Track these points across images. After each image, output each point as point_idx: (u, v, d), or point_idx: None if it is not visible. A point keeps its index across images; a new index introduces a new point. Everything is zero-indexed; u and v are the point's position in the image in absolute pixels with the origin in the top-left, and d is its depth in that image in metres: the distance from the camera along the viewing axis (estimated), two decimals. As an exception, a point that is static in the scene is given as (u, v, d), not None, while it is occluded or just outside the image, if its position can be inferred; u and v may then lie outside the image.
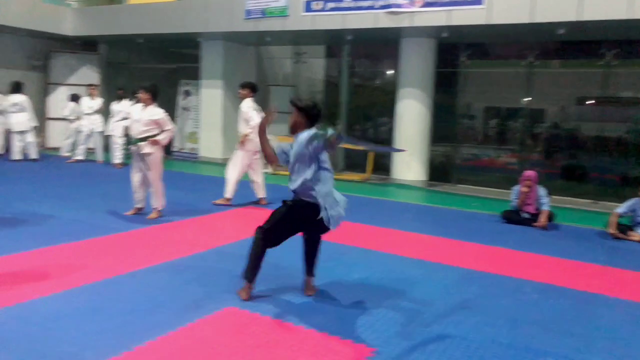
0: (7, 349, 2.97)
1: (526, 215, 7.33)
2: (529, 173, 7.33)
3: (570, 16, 8.03)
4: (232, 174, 7.59)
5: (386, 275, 4.80)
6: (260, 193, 7.78)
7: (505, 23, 8.59)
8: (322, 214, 3.79)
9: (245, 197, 7.88)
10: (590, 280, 4.95)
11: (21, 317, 3.39)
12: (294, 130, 3.97)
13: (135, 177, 6.57)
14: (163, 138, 6.39)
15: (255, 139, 7.56)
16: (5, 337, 3.11)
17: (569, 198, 9.62)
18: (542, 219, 7.12)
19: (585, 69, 10.81)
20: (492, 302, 4.24)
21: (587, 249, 6.15)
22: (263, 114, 7.65)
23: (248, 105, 7.53)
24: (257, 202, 7.77)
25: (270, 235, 3.94)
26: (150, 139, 6.33)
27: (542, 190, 7.32)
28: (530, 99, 10.89)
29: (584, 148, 10.93)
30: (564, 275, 5.11)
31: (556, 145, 11.01)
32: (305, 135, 3.79)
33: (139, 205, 6.67)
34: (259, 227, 3.96)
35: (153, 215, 6.53)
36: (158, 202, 6.57)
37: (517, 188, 7.49)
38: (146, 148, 6.34)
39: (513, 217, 7.41)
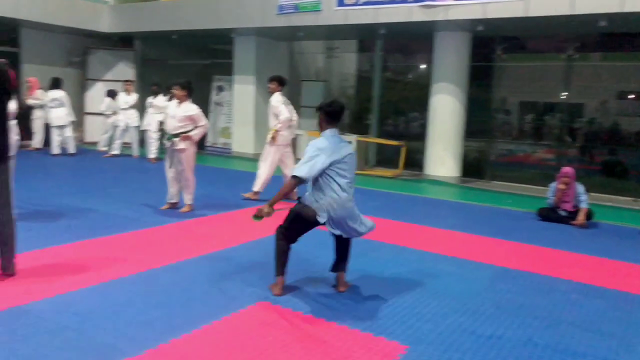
0: (46, 340, 3.04)
1: (563, 213, 7.16)
2: (567, 170, 7.15)
3: (613, 7, 7.76)
4: (263, 170, 7.61)
5: (418, 272, 4.75)
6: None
7: (543, 15, 8.37)
8: (320, 218, 3.79)
9: (275, 191, 7.90)
10: (632, 281, 4.80)
11: (60, 309, 3.48)
12: (321, 129, 4.04)
13: (170, 172, 6.67)
14: (195, 134, 6.46)
15: (285, 133, 7.59)
16: (45, 327, 3.19)
17: (608, 195, 9.35)
18: (581, 217, 6.94)
19: (627, 62, 10.47)
20: (527, 301, 4.15)
21: (627, 248, 5.96)
22: (292, 108, 7.71)
23: (277, 100, 7.52)
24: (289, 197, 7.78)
25: (287, 233, 4.01)
26: (183, 134, 6.40)
27: (580, 188, 7.14)
28: (568, 93, 10.62)
29: (625, 144, 10.61)
30: (604, 274, 4.97)
31: (595, 140, 10.71)
32: (313, 142, 3.90)
33: (172, 200, 6.76)
34: (279, 226, 4.04)
35: (185, 209, 6.62)
36: (190, 197, 6.64)
37: (554, 185, 7.32)
38: (180, 144, 6.42)
39: (550, 214, 7.25)
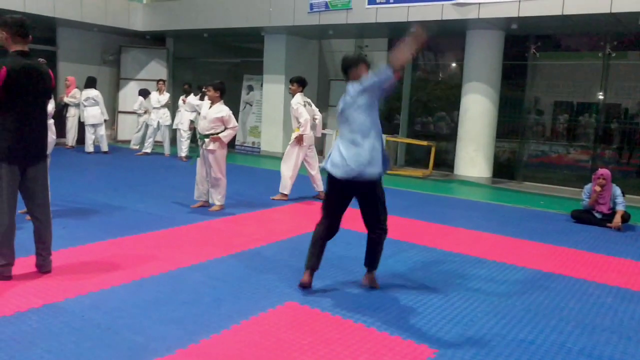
0: (79, 338, 3.10)
1: (599, 216, 6.99)
2: (603, 171, 6.98)
3: (653, 5, 7.55)
4: (286, 171, 7.58)
5: (448, 274, 4.70)
6: (319, 187, 7.79)
7: (581, 13, 8.17)
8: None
9: (304, 191, 7.93)
10: (670, 287, 4.66)
11: (93, 306, 3.54)
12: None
13: (202, 171, 6.74)
14: (225, 135, 6.51)
15: (309, 133, 7.56)
16: (77, 325, 3.26)
17: (645, 198, 9.10)
18: (617, 220, 6.77)
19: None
20: (561, 305, 4.06)
21: (666, 253, 5.79)
22: (315, 107, 7.69)
23: (297, 102, 7.47)
24: (317, 197, 7.79)
25: (322, 219, 4.07)
26: (213, 136, 6.47)
27: (616, 190, 6.96)
28: (604, 92, 10.35)
29: (664, 145, 10.30)
30: (641, 280, 4.84)
31: (632, 141, 10.41)
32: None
33: (201, 199, 6.84)
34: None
35: (215, 208, 6.68)
36: (218, 197, 6.69)
37: (589, 187, 7.15)
38: (210, 144, 6.49)
39: (584, 217, 7.08)
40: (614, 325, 3.73)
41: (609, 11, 7.86)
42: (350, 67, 4.02)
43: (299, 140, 7.46)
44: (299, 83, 7.61)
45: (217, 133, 6.49)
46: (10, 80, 3.68)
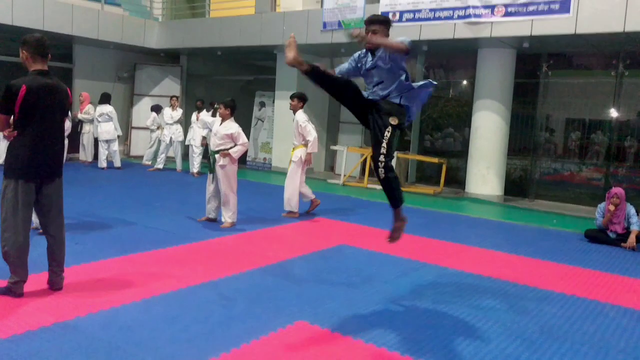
0: (88, 357, 3.10)
1: (612, 235, 6.92)
2: (617, 190, 6.91)
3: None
4: (293, 191, 7.53)
5: (460, 293, 4.65)
6: (309, 196, 7.76)
7: (594, 33, 8.16)
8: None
9: (316, 208, 7.93)
10: (686, 310, 4.58)
11: (103, 324, 3.55)
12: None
13: (210, 188, 6.78)
14: (234, 151, 6.56)
15: (315, 151, 7.55)
16: (89, 344, 3.26)
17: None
18: (631, 239, 6.69)
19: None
20: (574, 326, 4.01)
21: (682, 274, 5.70)
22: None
23: (304, 119, 7.41)
24: (311, 208, 7.80)
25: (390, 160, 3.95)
26: (223, 151, 6.52)
27: (631, 209, 6.88)
28: (617, 110, 10.29)
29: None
30: (656, 302, 4.76)
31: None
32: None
33: (210, 216, 6.87)
34: (383, 161, 3.90)
35: (226, 225, 6.69)
36: (229, 214, 6.70)
37: (602, 206, 7.08)
38: (220, 160, 6.54)
39: (598, 236, 7.01)
40: (629, 347, 3.68)
41: (622, 30, 7.84)
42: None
43: (308, 160, 7.45)
44: (299, 99, 7.56)
45: (227, 149, 6.55)
46: (29, 99, 3.74)
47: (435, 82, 4.18)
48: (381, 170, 3.87)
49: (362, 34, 3.79)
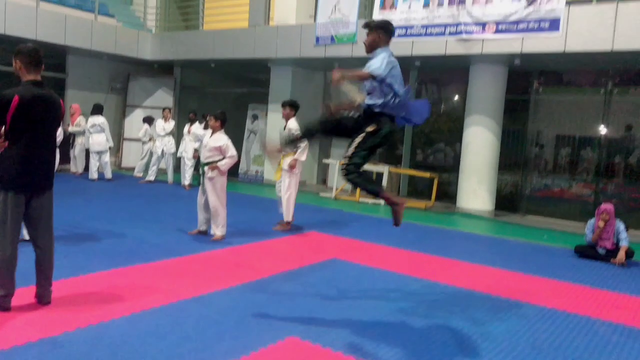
0: (78, 369, 3.07)
1: (602, 251, 6.96)
2: (607, 206, 6.96)
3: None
4: (292, 200, 7.53)
5: (451, 308, 4.65)
6: (286, 215, 7.71)
7: (583, 51, 8.27)
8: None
9: (303, 220, 7.92)
10: (675, 327, 4.60)
11: (92, 339, 3.50)
12: (372, 48, 4.29)
13: (201, 200, 6.77)
14: (223, 164, 6.57)
15: (304, 159, 7.56)
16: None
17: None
18: (621, 255, 6.73)
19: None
20: (565, 342, 4.02)
21: (671, 291, 5.73)
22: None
23: (297, 127, 7.40)
24: (280, 224, 7.74)
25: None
26: (211, 164, 6.53)
27: (620, 225, 6.93)
28: (606, 127, 10.40)
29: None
30: (646, 319, 4.78)
31: (634, 176, 10.40)
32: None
33: (201, 228, 6.85)
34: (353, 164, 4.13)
35: (216, 238, 6.66)
36: (218, 227, 6.68)
37: (592, 221, 7.12)
38: (209, 173, 6.55)
39: (588, 252, 7.05)
40: (619, 366, 3.69)
41: (610, 49, 7.96)
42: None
43: (293, 166, 7.44)
44: (291, 107, 7.58)
45: (216, 161, 6.56)
46: (22, 110, 3.71)
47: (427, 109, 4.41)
48: (342, 172, 4.15)
49: (336, 79, 3.94)
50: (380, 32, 4.26)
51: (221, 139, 6.60)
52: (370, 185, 4.30)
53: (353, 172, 4.09)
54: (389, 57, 4.16)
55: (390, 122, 4.21)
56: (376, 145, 4.19)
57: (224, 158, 6.58)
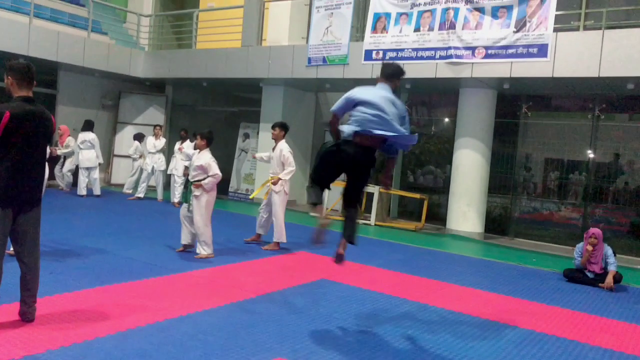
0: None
1: (590, 275, 6.98)
2: (595, 230, 7.00)
3: (640, 71, 7.79)
4: (281, 220, 7.53)
5: (440, 331, 4.63)
6: (262, 230, 7.82)
7: (571, 77, 8.41)
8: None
9: (292, 240, 7.89)
10: (663, 352, 4.60)
11: (76, 358, 3.44)
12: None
13: (184, 212, 6.78)
14: (205, 183, 6.58)
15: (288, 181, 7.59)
16: (61, 376, 3.16)
17: (636, 258, 9.10)
18: (609, 280, 6.75)
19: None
20: (554, 369, 4.01)
21: (658, 316, 5.75)
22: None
23: (288, 149, 7.48)
24: (252, 238, 7.82)
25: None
26: (196, 182, 6.55)
27: (608, 249, 6.97)
28: (594, 152, 10.53)
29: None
30: (635, 342, 4.78)
31: (622, 201, 10.51)
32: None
33: (186, 242, 6.86)
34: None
35: (201, 256, 6.62)
36: (202, 247, 6.66)
37: (580, 245, 7.15)
38: (195, 191, 6.57)
39: (576, 276, 7.07)
40: (607, 391, 3.67)
41: (597, 75, 8.10)
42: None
43: (275, 183, 7.44)
44: (281, 127, 7.63)
45: (201, 180, 6.59)
46: (12, 126, 3.70)
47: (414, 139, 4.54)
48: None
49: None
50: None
51: (204, 157, 6.64)
52: (310, 197, 4.44)
53: (310, 183, 4.44)
54: (352, 93, 4.34)
55: (337, 143, 4.37)
56: (320, 155, 4.44)
57: (207, 177, 6.60)
